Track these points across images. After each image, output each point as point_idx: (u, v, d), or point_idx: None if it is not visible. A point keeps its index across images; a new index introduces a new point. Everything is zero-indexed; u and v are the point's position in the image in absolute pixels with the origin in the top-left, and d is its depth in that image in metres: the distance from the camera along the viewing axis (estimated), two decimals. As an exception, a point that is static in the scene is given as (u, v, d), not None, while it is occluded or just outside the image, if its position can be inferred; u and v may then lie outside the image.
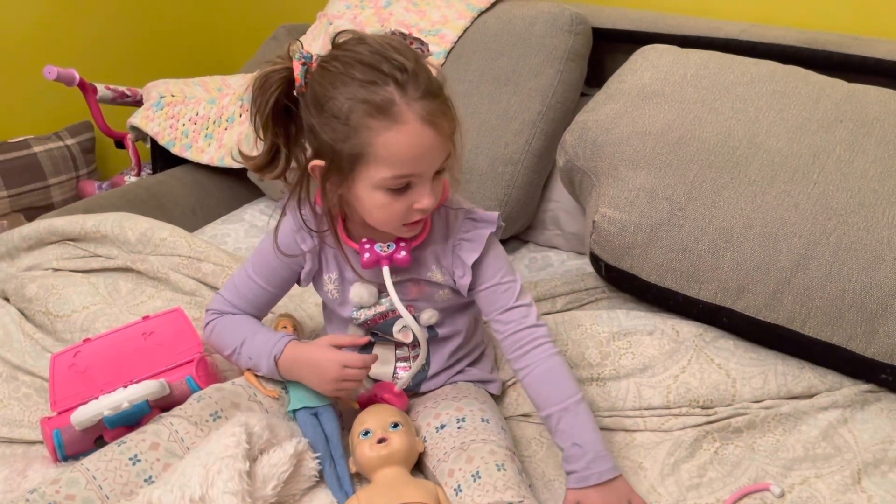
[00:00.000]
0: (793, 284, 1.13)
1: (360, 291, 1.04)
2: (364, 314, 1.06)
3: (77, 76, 1.92)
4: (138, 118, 1.95)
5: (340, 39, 0.91)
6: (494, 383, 1.15)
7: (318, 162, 0.92)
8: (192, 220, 1.78)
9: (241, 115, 1.87)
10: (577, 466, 0.95)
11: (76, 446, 1.03)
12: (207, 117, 1.90)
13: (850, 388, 1.13)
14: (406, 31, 0.92)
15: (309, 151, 0.94)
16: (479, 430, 1.00)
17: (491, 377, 1.15)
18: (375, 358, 1.03)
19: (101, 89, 1.99)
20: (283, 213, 1.03)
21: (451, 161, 0.93)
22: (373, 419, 1.00)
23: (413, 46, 0.91)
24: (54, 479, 0.90)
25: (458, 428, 1.00)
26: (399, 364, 1.10)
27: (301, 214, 1.00)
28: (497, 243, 1.04)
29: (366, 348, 1.10)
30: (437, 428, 1.02)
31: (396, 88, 0.86)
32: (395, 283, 0.99)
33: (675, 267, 1.22)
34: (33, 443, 1.10)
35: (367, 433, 0.98)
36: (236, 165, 1.81)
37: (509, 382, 1.18)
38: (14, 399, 1.15)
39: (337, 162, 0.90)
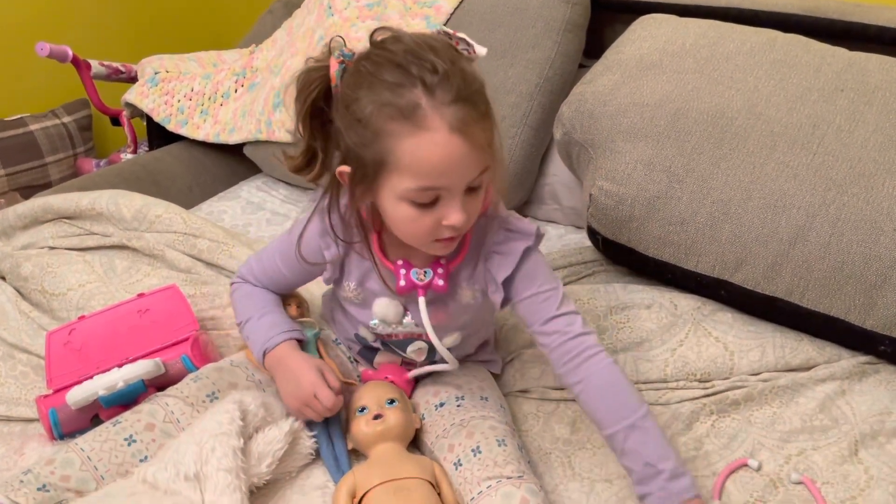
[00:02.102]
0: (791, 256, 1.12)
1: (385, 308, 0.98)
2: (382, 328, 1.00)
3: (70, 52, 1.90)
4: (133, 94, 1.93)
5: (378, 37, 0.84)
6: (495, 363, 1.14)
7: (345, 168, 0.85)
8: (189, 196, 1.77)
9: (236, 91, 1.86)
10: (652, 488, 0.86)
11: (72, 425, 1.03)
12: (203, 93, 1.88)
13: (849, 360, 1.13)
14: (451, 31, 0.84)
15: (339, 156, 0.87)
16: (479, 407, 1.00)
17: (491, 357, 1.14)
18: (344, 406, 1.00)
19: (95, 66, 1.98)
20: (311, 217, 0.97)
21: (488, 175, 0.84)
22: (369, 396, 1.00)
23: (459, 47, 0.83)
24: (49, 460, 0.90)
25: (458, 406, 1.00)
26: None
27: (329, 220, 0.94)
28: (533, 256, 0.95)
29: (371, 350, 1.08)
30: (436, 406, 1.02)
31: (424, 91, 0.78)
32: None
33: (673, 240, 1.20)
34: (31, 420, 1.10)
35: (363, 409, 0.98)
36: (232, 142, 1.80)
37: (508, 359, 1.18)
38: (11, 377, 1.16)
39: (361, 168, 0.83)
